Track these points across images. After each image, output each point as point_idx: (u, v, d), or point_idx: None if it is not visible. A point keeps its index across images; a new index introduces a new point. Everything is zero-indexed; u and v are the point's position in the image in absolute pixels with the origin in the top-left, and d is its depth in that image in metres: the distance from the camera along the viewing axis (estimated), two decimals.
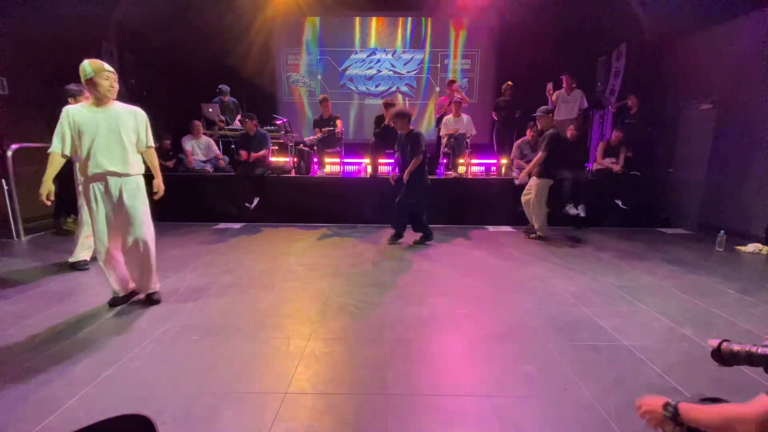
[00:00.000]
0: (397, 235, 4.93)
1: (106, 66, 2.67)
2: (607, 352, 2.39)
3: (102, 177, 2.71)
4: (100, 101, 2.70)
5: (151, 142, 2.93)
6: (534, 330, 2.67)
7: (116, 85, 2.72)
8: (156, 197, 3.00)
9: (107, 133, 2.69)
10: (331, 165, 7.11)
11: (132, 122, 2.80)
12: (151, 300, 3.02)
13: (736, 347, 1.39)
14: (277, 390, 1.99)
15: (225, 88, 6.97)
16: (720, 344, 1.45)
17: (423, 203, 4.74)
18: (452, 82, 6.98)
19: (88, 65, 2.61)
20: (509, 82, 6.95)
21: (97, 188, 2.73)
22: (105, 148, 2.69)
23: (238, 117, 6.86)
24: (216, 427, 1.74)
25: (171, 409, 1.84)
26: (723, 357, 1.43)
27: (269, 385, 2.04)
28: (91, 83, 2.63)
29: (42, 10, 5.57)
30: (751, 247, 4.70)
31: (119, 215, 2.80)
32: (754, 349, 1.32)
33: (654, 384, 2.07)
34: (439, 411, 1.86)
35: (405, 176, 4.55)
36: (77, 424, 0.81)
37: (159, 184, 3.02)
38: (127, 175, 2.77)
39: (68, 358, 2.28)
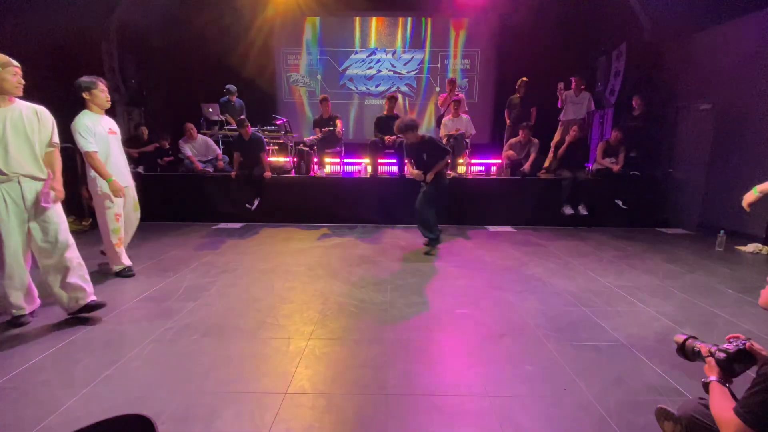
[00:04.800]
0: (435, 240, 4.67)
1: (13, 61, 2.47)
2: (607, 352, 2.39)
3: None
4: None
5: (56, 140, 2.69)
6: (534, 330, 2.67)
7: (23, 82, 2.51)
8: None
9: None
10: (331, 165, 7.11)
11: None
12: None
13: (698, 346, 1.40)
14: (277, 390, 1.99)
15: (232, 88, 6.92)
16: (685, 341, 1.46)
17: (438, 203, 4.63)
18: (453, 81, 6.95)
19: None
20: (524, 78, 6.77)
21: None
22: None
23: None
24: (216, 427, 1.74)
25: (171, 409, 1.84)
26: (686, 353, 1.45)
27: (269, 385, 2.04)
28: None
29: (42, 10, 5.57)
30: (751, 247, 4.70)
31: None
32: (713, 350, 1.34)
33: (654, 384, 2.08)
34: (439, 411, 1.86)
35: (429, 177, 4.41)
36: (77, 424, 0.81)
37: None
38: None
39: (68, 358, 2.28)
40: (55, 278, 2.66)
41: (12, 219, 2.49)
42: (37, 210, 2.56)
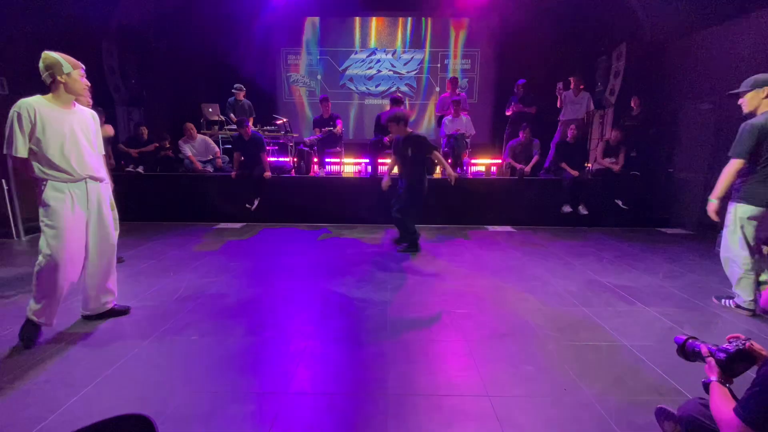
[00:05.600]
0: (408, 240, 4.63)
1: (80, 63, 2.49)
2: (607, 352, 2.39)
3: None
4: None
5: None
6: (534, 330, 2.67)
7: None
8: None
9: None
10: (331, 165, 7.11)
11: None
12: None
13: (699, 346, 1.40)
14: (277, 390, 1.99)
15: (239, 86, 6.92)
16: (685, 341, 1.46)
17: (418, 209, 4.52)
18: (456, 79, 6.97)
19: (61, 57, 2.38)
20: (522, 81, 6.79)
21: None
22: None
23: (251, 119, 6.81)
24: (216, 427, 1.74)
25: (171, 409, 1.84)
26: (686, 354, 1.45)
27: (269, 385, 2.04)
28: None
29: (42, 10, 5.57)
30: None
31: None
32: (713, 350, 1.34)
33: (654, 384, 2.08)
34: (439, 411, 1.85)
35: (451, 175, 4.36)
36: (77, 424, 0.81)
37: None
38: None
39: (68, 358, 2.28)
40: (102, 279, 2.70)
41: (76, 220, 2.49)
42: (98, 210, 2.61)
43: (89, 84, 2.57)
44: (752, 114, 2.86)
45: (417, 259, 4.29)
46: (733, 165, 2.84)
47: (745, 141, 2.77)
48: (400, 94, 6.96)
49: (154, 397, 1.93)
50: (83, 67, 2.49)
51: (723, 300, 3.13)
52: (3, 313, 2.84)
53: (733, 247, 2.93)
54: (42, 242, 2.39)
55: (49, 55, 2.37)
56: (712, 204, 2.95)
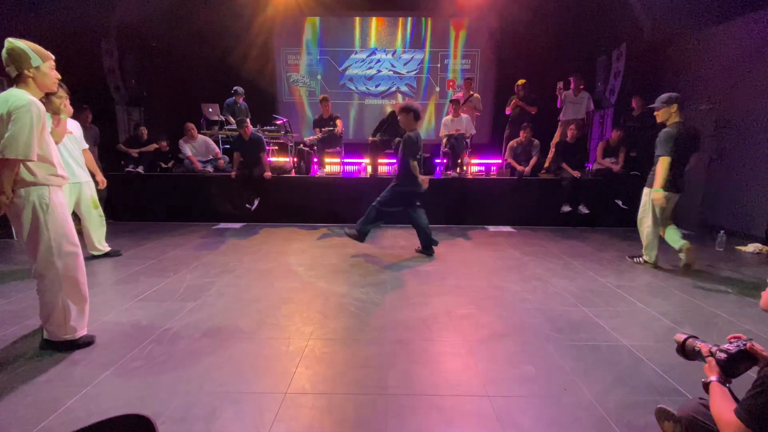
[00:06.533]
0: (430, 241, 4.42)
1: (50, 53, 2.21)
2: (607, 352, 2.39)
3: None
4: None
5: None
6: (534, 330, 2.67)
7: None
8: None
9: None
10: (331, 165, 7.11)
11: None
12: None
13: (699, 345, 1.40)
14: (277, 390, 1.99)
15: (240, 89, 6.92)
16: (685, 340, 1.46)
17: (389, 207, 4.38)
18: (469, 80, 6.99)
19: (29, 48, 2.08)
20: (521, 81, 6.77)
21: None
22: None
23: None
24: (216, 427, 1.73)
25: (171, 409, 1.84)
26: (686, 353, 1.45)
27: (269, 385, 2.04)
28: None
29: (42, 10, 5.57)
30: (751, 247, 4.70)
31: None
32: (714, 349, 1.33)
33: (654, 384, 2.08)
34: (439, 411, 1.85)
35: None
36: (77, 424, 0.81)
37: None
38: None
39: (68, 358, 2.28)
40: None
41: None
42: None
43: (59, 76, 2.27)
44: (663, 124, 3.72)
45: (417, 259, 4.28)
46: (667, 161, 3.60)
47: (669, 142, 3.59)
48: (400, 94, 6.97)
49: (154, 397, 1.93)
50: (53, 57, 2.22)
51: (635, 258, 4.21)
52: (2, 313, 2.84)
53: (646, 220, 4.00)
54: (55, 252, 2.22)
55: (15, 44, 2.06)
56: (659, 194, 3.69)
